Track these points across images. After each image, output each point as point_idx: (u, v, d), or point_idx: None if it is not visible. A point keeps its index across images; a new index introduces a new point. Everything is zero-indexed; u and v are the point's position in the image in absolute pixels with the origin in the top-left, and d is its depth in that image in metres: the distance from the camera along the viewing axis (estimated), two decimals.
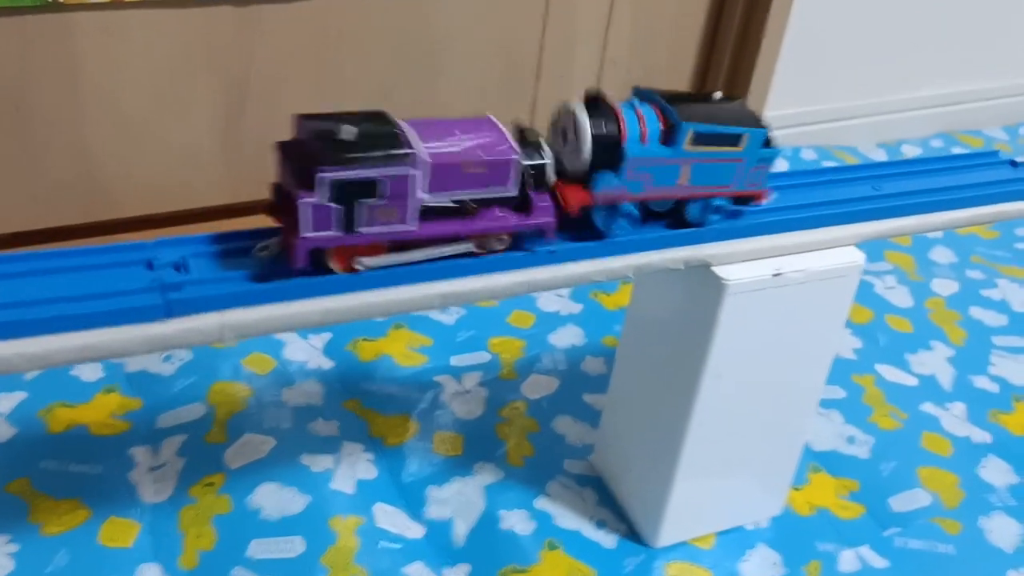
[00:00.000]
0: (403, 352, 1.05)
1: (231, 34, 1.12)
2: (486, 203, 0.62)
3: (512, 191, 0.62)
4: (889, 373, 1.12)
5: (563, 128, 0.65)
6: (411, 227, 0.60)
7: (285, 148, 0.60)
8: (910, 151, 1.68)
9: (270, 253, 0.61)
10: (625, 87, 1.45)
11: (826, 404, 1.05)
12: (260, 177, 1.24)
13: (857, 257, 0.76)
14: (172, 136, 1.15)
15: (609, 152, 0.64)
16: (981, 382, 1.12)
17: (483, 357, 1.06)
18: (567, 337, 1.11)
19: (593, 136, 0.64)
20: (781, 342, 0.78)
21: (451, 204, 0.61)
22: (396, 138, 0.58)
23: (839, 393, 1.07)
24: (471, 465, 0.92)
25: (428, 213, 0.61)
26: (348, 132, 0.57)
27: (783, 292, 0.74)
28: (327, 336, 1.06)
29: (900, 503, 0.94)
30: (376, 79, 1.24)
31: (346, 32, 1.19)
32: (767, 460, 0.86)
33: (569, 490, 0.91)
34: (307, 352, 1.03)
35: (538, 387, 1.03)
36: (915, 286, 1.29)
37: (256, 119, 1.19)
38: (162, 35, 1.09)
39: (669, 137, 0.66)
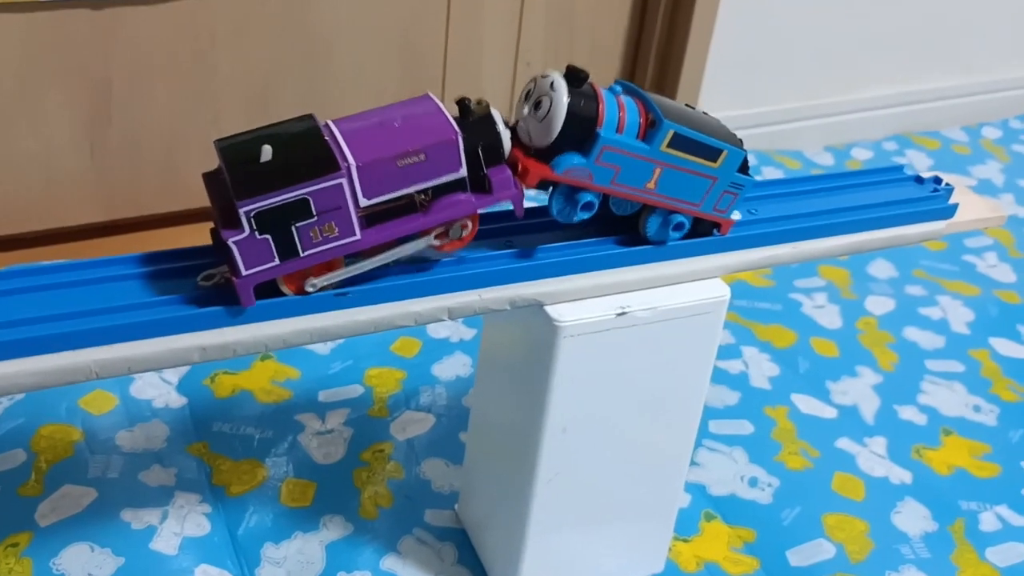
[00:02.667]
0: (265, 387, 0.96)
1: (87, 38, 1.03)
2: (440, 190, 0.56)
3: (461, 173, 0.56)
4: (806, 404, 1.02)
5: (537, 98, 0.59)
6: (357, 237, 0.55)
7: (209, 180, 0.56)
8: (861, 155, 1.58)
9: (217, 283, 0.57)
10: None
11: (730, 441, 0.96)
12: (137, 190, 1.15)
13: (721, 291, 0.67)
14: (28, 149, 1.06)
15: (581, 131, 0.59)
16: (908, 413, 1.03)
17: (355, 391, 0.97)
18: (453, 367, 1.01)
19: (569, 109, 0.57)
20: (635, 389, 0.68)
21: (397, 202, 0.56)
22: (318, 147, 0.53)
23: (747, 428, 0.98)
24: (319, 518, 0.83)
25: (377, 217, 0.56)
26: (266, 152, 0.52)
27: (631, 333, 0.65)
28: (184, 369, 0.97)
29: (799, 556, 0.84)
30: (257, 82, 1.15)
31: (219, 32, 1.09)
32: (638, 515, 0.77)
33: (425, 546, 0.81)
34: (158, 388, 0.94)
35: (410, 425, 0.93)
36: (847, 304, 1.19)
37: (126, 128, 1.10)
38: (4, 41, 1.00)
39: (647, 133, 0.60)
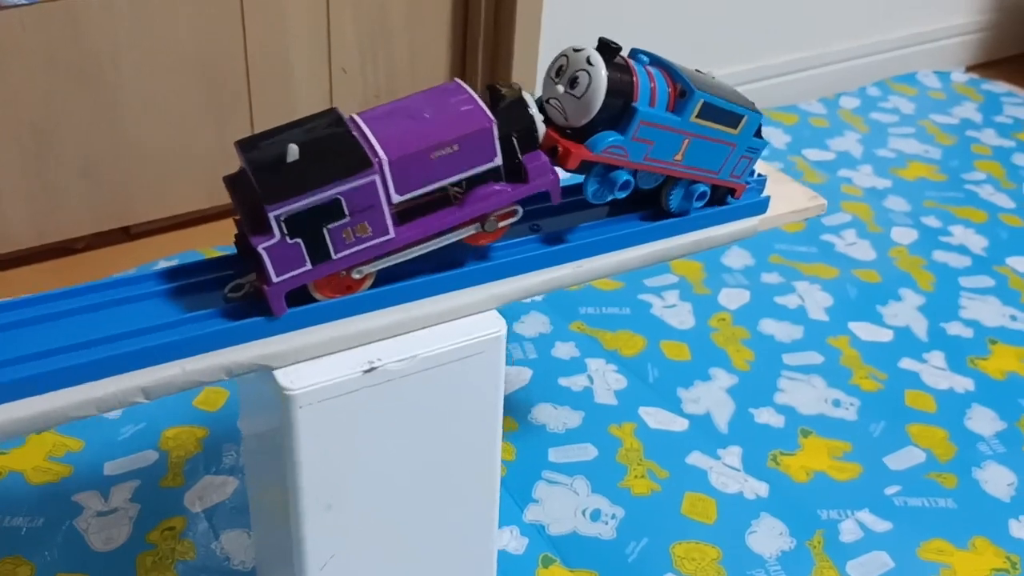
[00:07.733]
0: (40, 465, 0.84)
1: None
2: (474, 181, 0.54)
3: (496, 162, 0.54)
4: (654, 418, 0.94)
5: (573, 75, 0.56)
6: (391, 236, 0.53)
7: (233, 183, 0.53)
8: None
9: (244, 294, 0.53)
10: (364, 97, 1.26)
11: (571, 470, 0.87)
12: None
13: (496, 326, 0.58)
14: None
15: (618, 107, 0.57)
16: (764, 416, 0.95)
17: (148, 458, 0.86)
18: None
19: (608, 85, 0.55)
20: (407, 452, 0.59)
21: (430, 196, 0.53)
22: (347, 144, 0.51)
23: (590, 452, 0.89)
24: None
25: (410, 213, 0.54)
26: (292, 152, 0.50)
27: (387, 390, 0.55)
28: None
29: None
30: (28, 111, 1.02)
31: None
32: None
33: None
34: None
35: (208, 493, 0.83)
36: (700, 301, 1.12)
37: None
38: None
39: (676, 104, 0.59)
